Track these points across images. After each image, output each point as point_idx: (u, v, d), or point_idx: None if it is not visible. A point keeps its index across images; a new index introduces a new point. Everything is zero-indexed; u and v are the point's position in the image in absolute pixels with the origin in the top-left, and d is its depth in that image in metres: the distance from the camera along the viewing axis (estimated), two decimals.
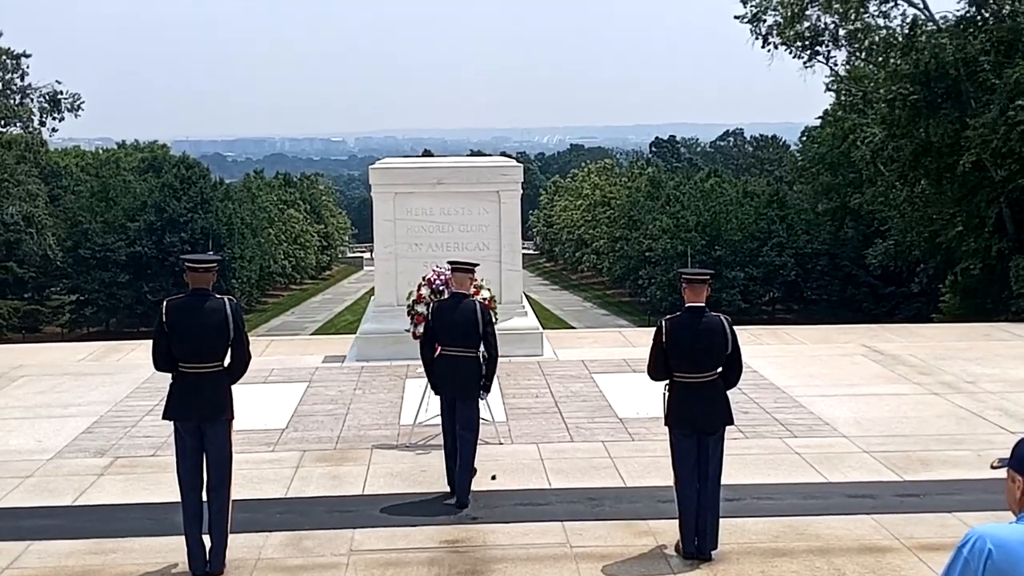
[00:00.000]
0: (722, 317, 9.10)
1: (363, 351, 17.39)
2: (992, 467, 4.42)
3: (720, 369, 9.09)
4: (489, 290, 15.34)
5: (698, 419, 8.97)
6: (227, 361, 8.90)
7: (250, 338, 9.32)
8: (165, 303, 8.89)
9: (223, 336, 8.74)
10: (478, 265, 11.33)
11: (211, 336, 8.72)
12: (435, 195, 17.89)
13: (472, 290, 13.78)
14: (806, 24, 41.58)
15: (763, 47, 42.85)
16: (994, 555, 4.02)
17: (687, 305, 9.07)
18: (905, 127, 33.85)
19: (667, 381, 9.17)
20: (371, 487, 11.08)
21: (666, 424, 9.17)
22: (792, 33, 41.63)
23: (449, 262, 11.53)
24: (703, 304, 9.06)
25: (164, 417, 8.91)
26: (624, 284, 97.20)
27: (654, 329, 9.35)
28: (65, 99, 62.92)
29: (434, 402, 11.59)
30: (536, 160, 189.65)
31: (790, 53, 42.69)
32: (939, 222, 35.24)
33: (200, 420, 8.74)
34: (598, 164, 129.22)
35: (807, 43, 42.22)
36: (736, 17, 42.78)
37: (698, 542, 8.96)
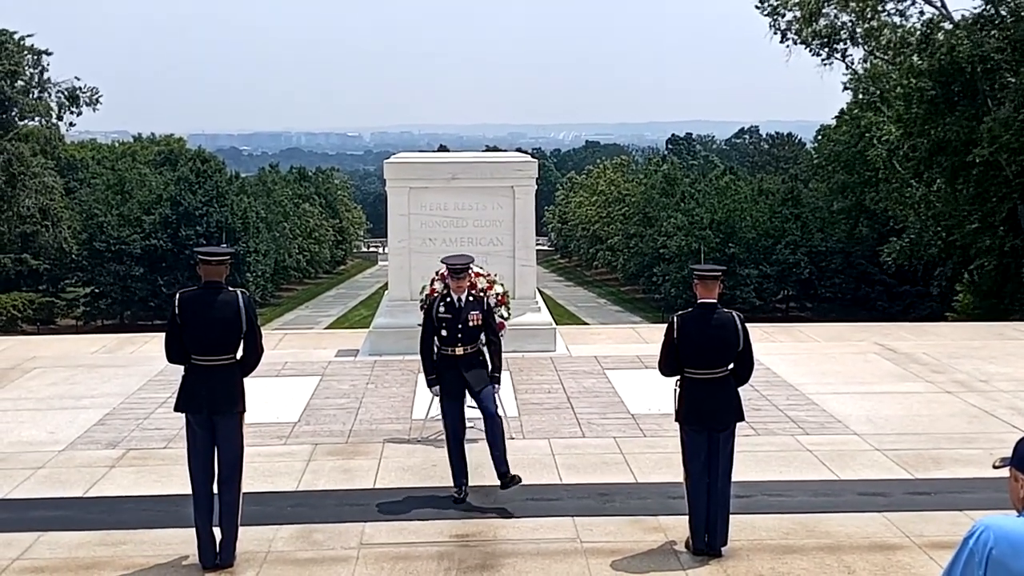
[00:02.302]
0: (734, 314, 9.09)
1: (376, 345, 17.40)
2: (994, 467, 4.43)
3: (731, 366, 9.08)
4: (502, 285, 15.34)
5: (709, 415, 8.96)
6: (239, 354, 8.92)
7: (263, 331, 9.33)
8: (178, 295, 8.91)
9: (235, 329, 8.75)
10: (472, 260, 11.24)
11: (223, 329, 8.73)
12: (449, 190, 17.87)
13: (487, 285, 13.82)
14: (824, 22, 41.54)
15: (782, 42, 42.81)
16: (996, 547, 4.02)
17: (699, 301, 9.07)
18: (921, 125, 33.80)
19: (678, 377, 9.16)
20: (382, 481, 11.09)
21: (677, 420, 9.17)
22: (810, 31, 41.59)
23: (443, 260, 11.32)
24: (715, 300, 9.05)
25: (176, 409, 8.93)
26: (638, 281, 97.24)
27: (666, 325, 9.34)
28: (83, 93, 63.29)
29: None
30: (552, 156, 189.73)
31: (809, 51, 42.64)
32: (955, 219, 35.17)
33: (212, 413, 8.75)
34: (614, 161, 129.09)
35: (825, 41, 42.18)
36: (756, 7, 42.72)
37: (708, 538, 8.95)
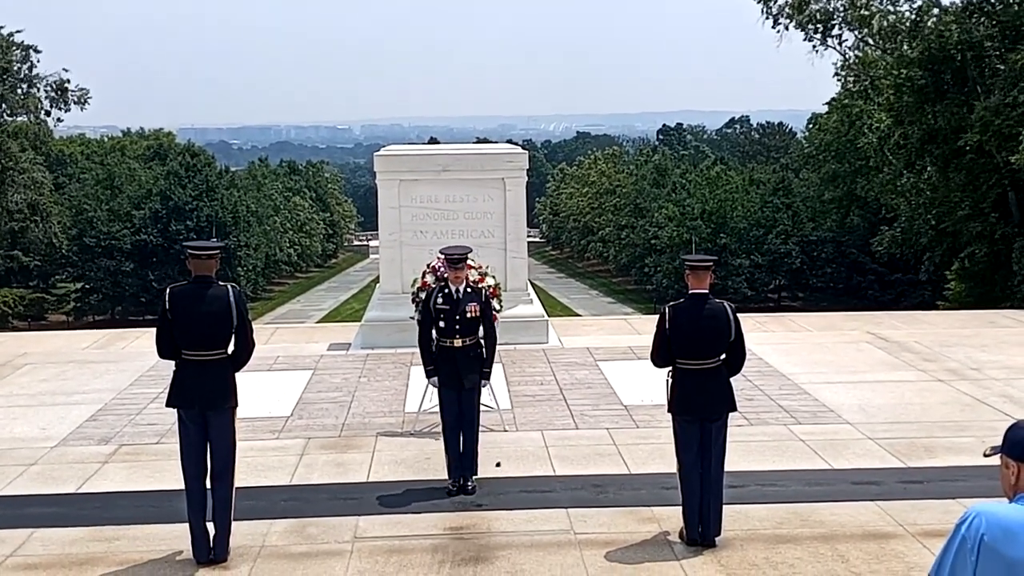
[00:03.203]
0: (725, 304, 9.09)
1: (368, 339, 17.38)
2: (985, 455, 4.44)
3: (723, 356, 9.07)
4: (494, 277, 15.32)
5: (701, 406, 8.95)
6: (231, 349, 8.90)
7: (255, 326, 9.31)
8: (168, 290, 8.89)
9: (226, 323, 8.73)
10: (470, 250, 11.22)
11: (214, 323, 8.71)
12: (440, 182, 17.85)
13: (478, 277, 13.80)
14: (816, 6, 41.47)
15: (774, 27, 42.70)
16: (988, 533, 4.04)
17: (690, 291, 9.06)
18: (913, 113, 33.81)
19: (670, 368, 9.15)
20: (375, 474, 11.08)
21: (669, 411, 9.16)
22: (802, 17, 41.52)
23: (442, 251, 11.32)
24: (706, 291, 9.04)
25: (168, 404, 8.90)
26: (630, 272, 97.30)
27: (657, 316, 9.32)
28: (73, 92, 63.13)
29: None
30: (542, 148, 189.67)
31: (804, 35, 42.48)
32: (945, 207, 35.21)
33: (204, 407, 8.74)
34: (605, 152, 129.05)
35: (818, 26, 42.10)
36: None
37: (702, 529, 8.96)
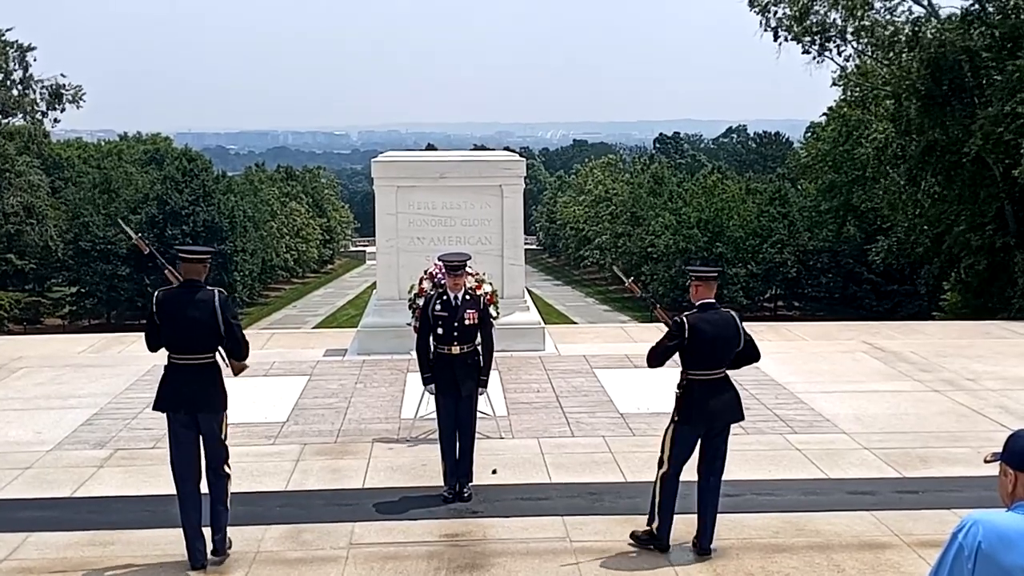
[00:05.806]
0: (732, 312, 9.03)
1: (364, 345, 17.37)
2: (985, 461, 4.45)
3: (727, 368, 8.98)
4: (491, 284, 15.33)
5: (715, 416, 8.85)
6: (218, 354, 8.86)
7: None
8: (157, 293, 8.89)
9: (211, 327, 8.70)
10: (469, 257, 11.19)
11: (199, 327, 8.68)
12: (437, 189, 17.85)
13: (475, 284, 13.79)
14: (815, 19, 41.49)
15: (774, 40, 42.68)
16: (985, 541, 4.04)
17: (702, 301, 8.94)
18: (916, 123, 33.79)
19: (684, 381, 8.98)
20: (371, 481, 11.07)
21: (678, 420, 8.97)
22: (800, 29, 41.53)
23: (441, 257, 11.28)
24: (715, 300, 8.98)
25: (155, 408, 8.88)
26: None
27: (672, 325, 9.00)
28: (67, 92, 63.05)
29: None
30: (539, 155, 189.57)
31: (801, 48, 42.48)
32: (945, 222, 35.19)
33: (191, 411, 8.72)
34: (602, 160, 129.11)
35: (816, 38, 42.10)
36: (748, 6, 42.59)
37: (697, 537, 8.94)
